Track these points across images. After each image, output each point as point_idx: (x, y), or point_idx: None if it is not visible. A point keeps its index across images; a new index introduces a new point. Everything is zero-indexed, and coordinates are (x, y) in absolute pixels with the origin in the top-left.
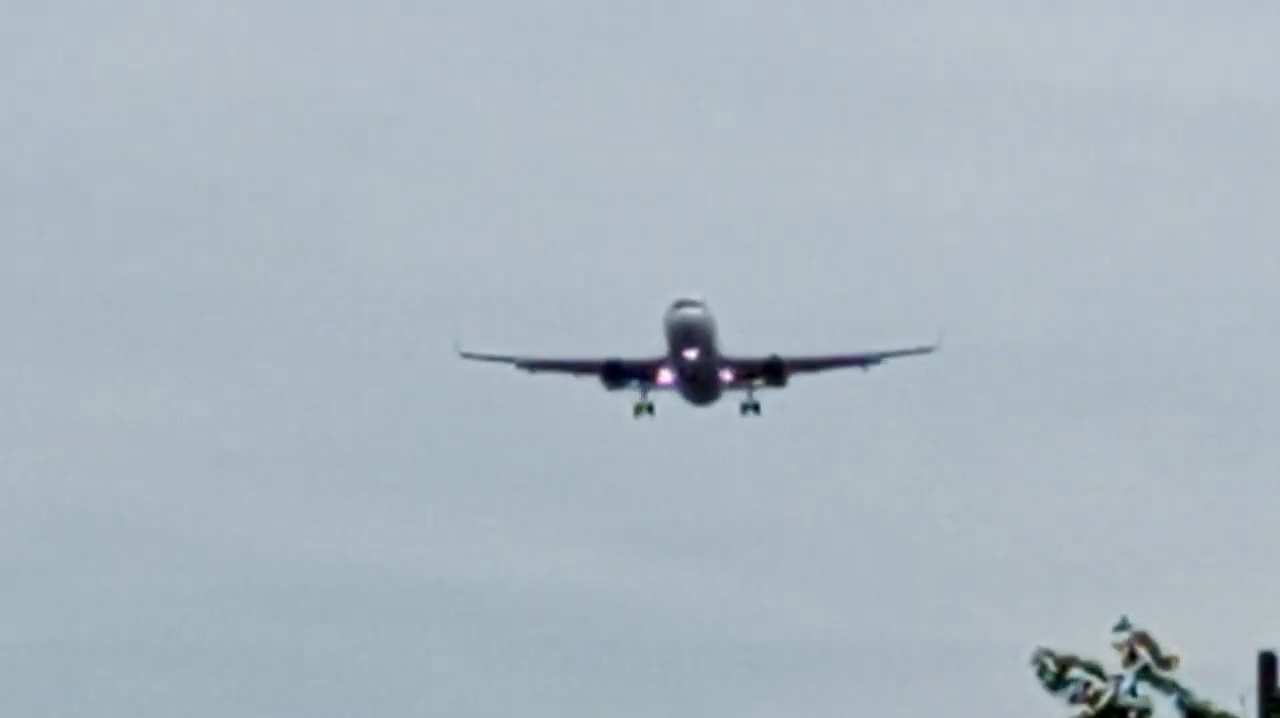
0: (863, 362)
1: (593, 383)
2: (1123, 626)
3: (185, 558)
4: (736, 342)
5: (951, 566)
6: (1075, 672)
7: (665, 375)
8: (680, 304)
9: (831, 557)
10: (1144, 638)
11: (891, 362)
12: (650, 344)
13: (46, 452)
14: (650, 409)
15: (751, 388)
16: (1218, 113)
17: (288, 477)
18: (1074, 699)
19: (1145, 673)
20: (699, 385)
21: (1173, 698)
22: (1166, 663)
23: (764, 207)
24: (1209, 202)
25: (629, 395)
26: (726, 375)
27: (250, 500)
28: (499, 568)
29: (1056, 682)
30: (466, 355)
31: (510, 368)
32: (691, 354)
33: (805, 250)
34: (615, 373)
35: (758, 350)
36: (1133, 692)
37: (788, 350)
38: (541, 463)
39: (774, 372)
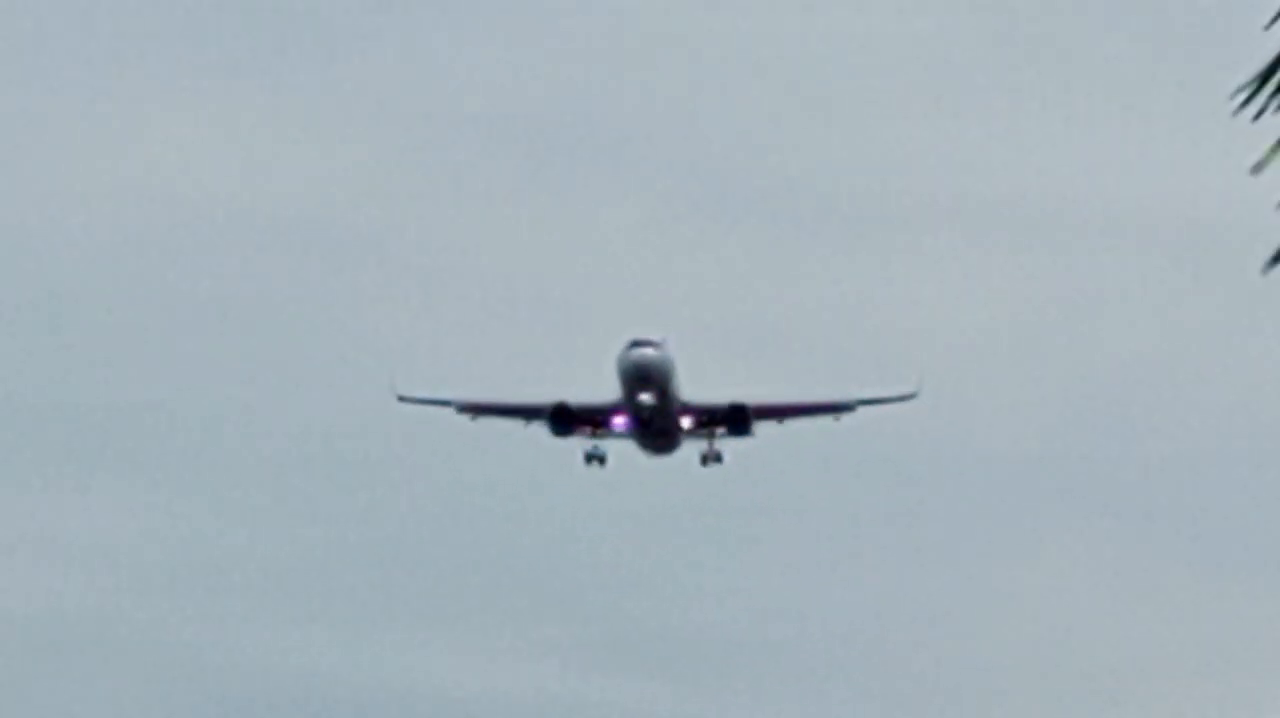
0: (835, 409)
1: (539, 430)
2: None
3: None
4: (700, 387)
5: (925, 663)
6: None
7: (619, 421)
8: (635, 344)
9: (790, 654)
10: None
11: (867, 410)
12: (603, 388)
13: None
14: (602, 460)
15: (714, 437)
16: (1195, 228)
17: (220, 577)
18: None
19: None
20: (656, 433)
21: None
22: None
23: (731, 289)
24: (1183, 310)
25: (579, 443)
26: (686, 422)
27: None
28: (436, 675)
29: None
30: (403, 399)
31: (450, 412)
32: (647, 398)
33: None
34: (564, 418)
35: (722, 396)
36: None
37: (754, 396)
38: (481, 537)
39: (738, 419)
